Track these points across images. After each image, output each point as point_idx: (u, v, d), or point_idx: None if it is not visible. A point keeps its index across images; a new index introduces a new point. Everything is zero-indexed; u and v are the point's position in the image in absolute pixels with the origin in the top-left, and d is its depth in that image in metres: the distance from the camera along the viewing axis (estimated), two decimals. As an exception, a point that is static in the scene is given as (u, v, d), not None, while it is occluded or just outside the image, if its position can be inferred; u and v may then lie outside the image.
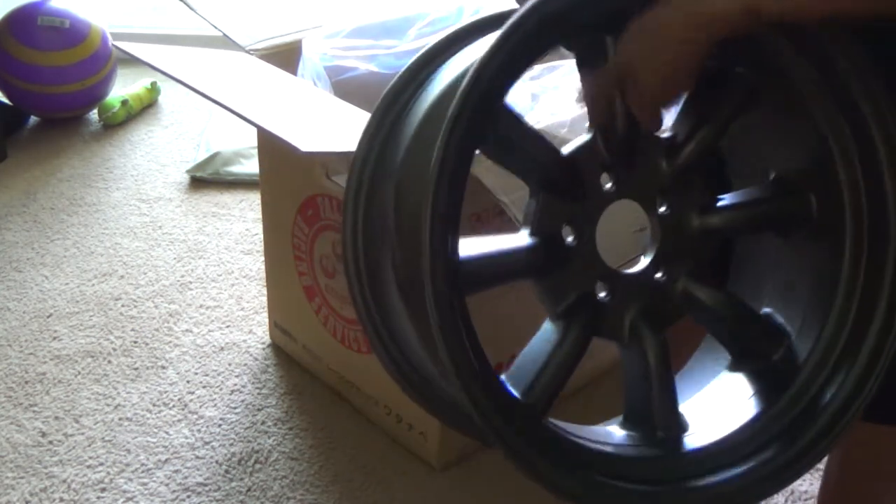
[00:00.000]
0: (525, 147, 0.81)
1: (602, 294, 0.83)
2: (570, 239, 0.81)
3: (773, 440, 0.80)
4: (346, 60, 1.34)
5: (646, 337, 0.82)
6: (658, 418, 0.82)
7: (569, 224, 0.81)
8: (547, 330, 0.83)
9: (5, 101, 2.30)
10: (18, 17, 2.23)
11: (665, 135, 0.84)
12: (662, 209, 0.84)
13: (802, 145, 0.83)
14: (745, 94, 0.82)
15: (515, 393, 0.80)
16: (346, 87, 1.31)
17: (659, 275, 0.84)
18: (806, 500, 1.32)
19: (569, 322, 0.82)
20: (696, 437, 0.82)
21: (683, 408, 0.85)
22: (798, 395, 0.81)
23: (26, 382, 1.51)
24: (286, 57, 1.35)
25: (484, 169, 1.07)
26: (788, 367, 0.83)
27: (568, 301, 0.82)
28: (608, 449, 0.81)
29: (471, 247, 0.82)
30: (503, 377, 0.83)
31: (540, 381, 0.81)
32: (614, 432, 0.83)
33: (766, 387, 0.83)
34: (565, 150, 0.81)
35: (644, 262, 0.84)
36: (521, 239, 0.81)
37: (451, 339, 0.73)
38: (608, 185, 0.82)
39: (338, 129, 1.11)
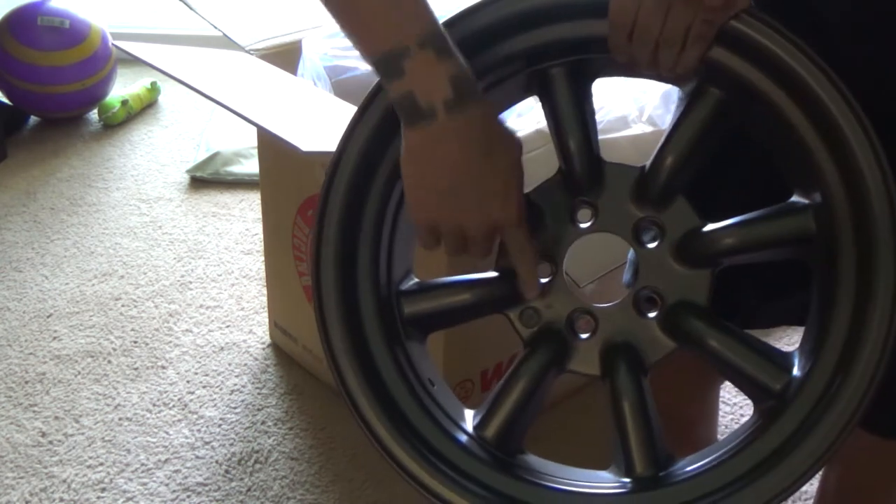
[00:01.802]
0: None
1: (571, 327, 0.81)
2: (538, 272, 0.81)
3: (752, 470, 0.76)
4: (346, 60, 1.34)
5: (619, 374, 0.80)
6: (636, 457, 0.80)
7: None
8: (516, 360, 0.82)
9: (5, 101, 2.30)
10: (18, 17, 2.23)
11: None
12: (640, 239, 0.80)
13: (797, 161, 0.77)
14: (714, 108, 0.77)
15: (468, 426, 0.81)
16: (346, 87, 1.31)
17: (640, 308, 0.80)
18: (806, 500, 1.32)
19: (532, 351, 0.81)
20: (678, 471, 0.79)
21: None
22: (776, 434, 0.76)
23: (26, 382, 1.51)
24: (286, 57, 1.35)
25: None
26: (784, 401, 0.77)
27: (534, 330, 0.81)
28: (574, 488, 0.79)
29: (428, 287, 0.84)
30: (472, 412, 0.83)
31: (494, 414, 0.81)
32: (603, 474, 0.82)
33: (763, 422, 0.79)
34: (526, 190, 0.80)
35: (624, 294, 0.81)
36: (484, 274, 0.82)
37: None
38: (579, 220, 0.81)
39: (338, 129, 1.10)
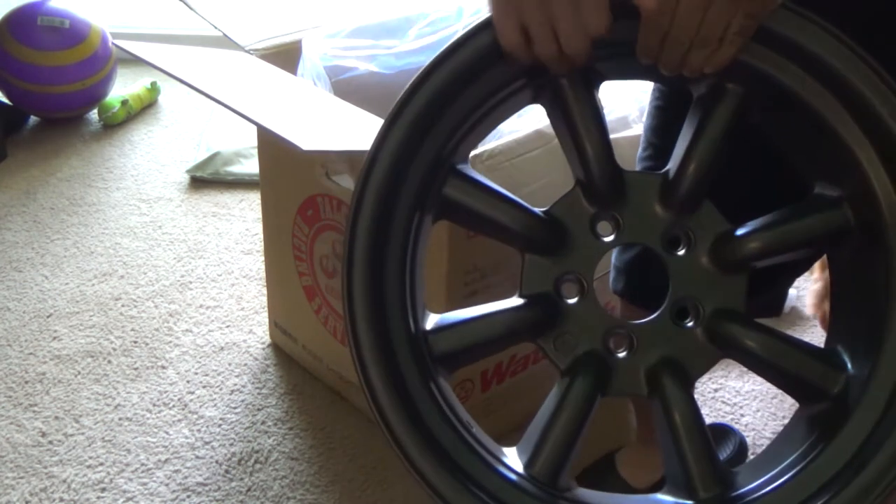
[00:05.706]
0: (495, 217, 0.78)
1: (609, 348, 0.78)
2: (567, 294, 0.78)
3: (822, 490, 0.72)
4: (346, 60, 1.34)
5: (668, 390, 0.76)
6: (697, 478, 0.76)
7: (562, 280, 0.78)
8: (554, 391, 0.79)
9: (5, 101, 2.30)
10: (18, 17, 2.23)
11: (655, 166, 0.79)
12: (670, 247, 0.78)
13: (828, 153, 0.75)
14: (737, 107, 0.76)
15: (519, 466, 0.77)
16: (346, 87, 1.31)
17: (678, 320, 0.78)
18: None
19: (573, 379, 0.77)
20: (743, 493, 0.75)
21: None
22: (850, 438, 0.72)
23: (26, 382, 1.51)
24: (286, 57, 1.34)
25: (485, 168, 1.07)
26: (845, 403, 0.73)
27: (572, 357, 0.78)
28: None
29: (455, 323, 0.80)
30: (513, 449, 0.79)
31: (543, 450, 0.77)
32: (660, 499, 0.78)
33: (822, 427, 0.75)
34: (545, 208, 0.78)
35: (660, 308, 0.78)
36: (510, 302, 0.79)
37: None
38: (604, 234, 0.78)
39: (338, 128, 1.11)
